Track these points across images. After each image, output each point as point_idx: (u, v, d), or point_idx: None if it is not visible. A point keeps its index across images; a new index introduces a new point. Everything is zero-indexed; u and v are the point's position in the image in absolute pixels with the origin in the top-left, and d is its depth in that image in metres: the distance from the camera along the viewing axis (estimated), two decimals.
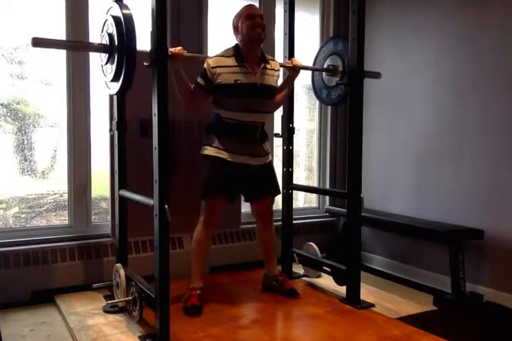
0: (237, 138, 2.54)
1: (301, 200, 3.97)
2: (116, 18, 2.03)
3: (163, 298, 2.05)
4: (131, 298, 2.34)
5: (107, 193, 2.92)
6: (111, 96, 2.63)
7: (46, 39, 2.04)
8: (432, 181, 3.22)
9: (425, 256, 3.24)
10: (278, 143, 3.21)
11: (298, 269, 3.18)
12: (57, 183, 3.02)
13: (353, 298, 2.63)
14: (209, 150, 2.56)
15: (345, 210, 2.79)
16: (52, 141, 3.03)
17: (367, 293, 2.78)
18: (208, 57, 2.55)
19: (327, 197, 3.87)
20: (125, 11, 2.02)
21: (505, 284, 2.78)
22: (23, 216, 2.90)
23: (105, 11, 2.16)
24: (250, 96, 2.50)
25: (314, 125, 3.91)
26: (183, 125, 2.99)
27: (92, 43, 2.32)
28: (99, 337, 2.20)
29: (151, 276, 2.12)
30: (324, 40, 3.77)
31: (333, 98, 2.94)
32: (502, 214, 2.80)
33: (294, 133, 3.09)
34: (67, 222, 2.97)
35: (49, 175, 3.02)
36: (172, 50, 2.29)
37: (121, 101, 2.52)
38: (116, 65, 2.03)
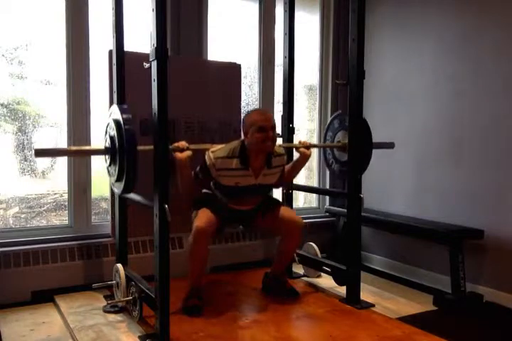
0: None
1: (301, 200, 3.97)
2: (116, 122, 2.09)
3: (163, 298, 2.05)
4: (131, 298, 2.34)
5: (107, 193, 2.92)
6: (111, 96, 2.63)
7: (49, 149, 2.16)
8: (431, 181, 3.22)
9: (425, 256, 3.24)
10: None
11: (298, 269, 3.18)
12: (57, 183, 3.02)
13: (353, 298, 2.63)
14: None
15: (345, 210, 2.79)
16: (52, 141, 3.03)
17: (367, 293, 2.79)
18: (211, 148, 2.46)
19: (327, 197, 3.87)
20: (125, 116, 2.07)
21: (505, 284, 2.78)
22: (23, 216, 2.90)
23: (108, 114, 2.25)
24: (247, 194, 2.55)
25: (314, 125, 3.91)
26: (183, 125, 2.99)
27: (95, 148, 2.44)
28: (99, 337, 2.20)
29: (151, 276, 2.12)
30: (324, 40, 3.78)
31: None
32: (502, 214, 2.80)
33: (294, 133, 3.08)
34: (67, 222, 2.97)
35: (49, 175, 3.03)
36: (176, 144, 2.30)
37: (122, 101, 2.52)
38: (119, 167, 2.10)
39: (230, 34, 3.42)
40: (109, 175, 2.29)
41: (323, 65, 3.81)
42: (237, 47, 3.44)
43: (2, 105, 2.80)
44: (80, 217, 2.96)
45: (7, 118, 2.84)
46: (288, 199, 3.10)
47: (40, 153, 2.05)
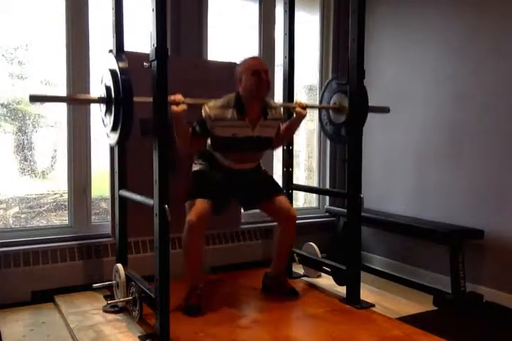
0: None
1: (301, 200, 3.97)
2: (112, 72, 2.08)
3: (163, 298, 2.05)
4: (131, 298, 2.34)
5: (107, 193, 2.93)
6: None
7: (44, 95, 2.14)
8: (431, 181, 3.22)
9: (425, 256, 3.24)
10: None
11: (298, 269, 3.18)
12: (57, 183, 3.02)
13: (353, 298, 2.63)
14: (195, 167, 2.63)
15: (345, 210, 2.79)
16: (52, 141, 3.03)
17: (367, 293, 2.78)
18: (207, 103, 2.48)
19: (327, 197, 3.87)
20: (121, 65, 2.07)
21: (505, 284, 2.78)
22: (23, 216, 2.90)
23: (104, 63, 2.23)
24: (245, 147, 2.54)
25: (314, 125, 3.92)
26: None
27: (91, 97, 2.42)
28: (99, 337, 2.20)
29: (151, 276, 2.12)
30: (324, 40, 3.78)
31: (342, 135, 2.88)
32: (502, 214, 2.80)
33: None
34: (67, 221, 2.97)
35: (49, 175, 3.03)
36: (172, 97, 2.27)
37: None
38: (114, 117, 2.09)
39: (230, 34, 3.42)
40: (104, 125, 2.28)
41: (323, 65, 3.81)
42: (237, 47, 3.44)
43: (2, 105, 2.80)
44: (80, 217, 2.96)
45: (7, 118, 2.84)
46: (288, 199, 3.09)
47: (36, 98, 2.04)
